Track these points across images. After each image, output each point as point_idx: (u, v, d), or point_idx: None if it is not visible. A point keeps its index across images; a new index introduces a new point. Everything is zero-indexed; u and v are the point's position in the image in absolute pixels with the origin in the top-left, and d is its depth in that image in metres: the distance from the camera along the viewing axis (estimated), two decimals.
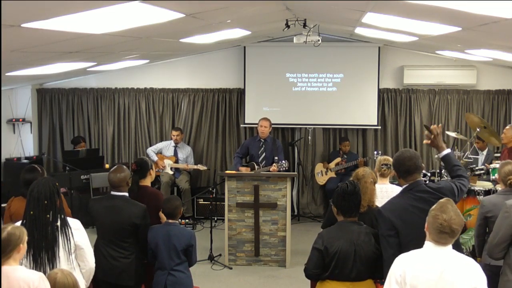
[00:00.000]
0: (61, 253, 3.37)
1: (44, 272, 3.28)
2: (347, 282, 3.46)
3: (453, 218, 2.63)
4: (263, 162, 7.44)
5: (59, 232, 3.37)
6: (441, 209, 2.69)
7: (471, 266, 2.66)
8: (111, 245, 4.15)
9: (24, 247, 3.01)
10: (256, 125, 7.68)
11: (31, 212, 3.35)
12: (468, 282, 2.60)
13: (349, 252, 3.43)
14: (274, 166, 7.04)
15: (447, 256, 2.66)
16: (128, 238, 4.15)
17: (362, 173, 4.22)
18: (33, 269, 3.28)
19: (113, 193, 4.21)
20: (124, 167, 4.28)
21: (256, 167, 7.32)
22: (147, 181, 4.69)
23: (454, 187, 3.50)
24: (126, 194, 4.23)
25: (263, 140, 7.54)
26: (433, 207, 2.75)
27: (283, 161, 7.12)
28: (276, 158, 7.23)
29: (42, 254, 3.31)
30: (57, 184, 3.50)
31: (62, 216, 3.42)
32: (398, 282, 2.73)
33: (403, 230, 3.35)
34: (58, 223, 3.37)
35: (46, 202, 3.35)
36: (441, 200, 2.79)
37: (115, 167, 4.28)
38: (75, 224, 3.51)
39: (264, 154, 7.49)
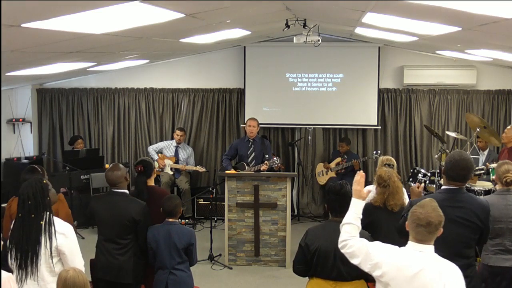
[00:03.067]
0: (42, 251, 3.34)
1: (27, 273, 3.28)
2: (330, 281, 3.48)
3: (429, 212, 2.65)
4: (253, 162, 7.45)
5: (43, 231, 3.34)
6: (420, 204, 2.72)
7: (450, 271, 2.63)
8: (110, 242, 4.16)
9: None
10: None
11: (19, 215, 3.35)
12: (443, 286, 2.57)
13: (329, 251, 3.44)
14: (266, 164, 7.07)
15: (426, 257, 2.65)
16: (127, 234, 4.15)
17: (387, 174, 4.15)
18: (17, 270, 3.28)
19: (113, 190, 4.26)
20: (120, 165, 4.31)
21: (246, 167, 7.33)
22: (152, 181, 4.71)
23: (488, 226, 3.52)
24: (126, 191, 4.26)
25: (251, 140, 7.54)
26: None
27: (275, 158, 7.15)
28: (266, 156, 7.25)
29: (28, 255, 3.30)
30: (44, 181, 3.45)
31: (48, 214, 3.38)
32: (365, 263, 2.80)
33: None
34: (43, 222, 3.33)
35: (30, 202, 3.33)
36: (423, 199, 2.81)
37: (111, 165, 4.32)
38: (63, 228, 3.44)
39: (253, 154, 7.49)
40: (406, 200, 4.32)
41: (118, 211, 4.14)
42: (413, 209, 2.71)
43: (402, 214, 3.62)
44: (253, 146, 7.52)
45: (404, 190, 4.79)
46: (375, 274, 2.77)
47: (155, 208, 4.37)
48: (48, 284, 3.32)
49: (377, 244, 2.86)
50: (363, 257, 2.82)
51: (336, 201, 3.54)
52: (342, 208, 3.53)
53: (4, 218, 4.38)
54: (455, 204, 3.43)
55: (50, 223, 3.37)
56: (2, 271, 3.04)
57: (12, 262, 3.32)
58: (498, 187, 4.24)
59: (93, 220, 4.40)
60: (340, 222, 3.51)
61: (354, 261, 2.89)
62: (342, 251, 2.98)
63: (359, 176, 3.12)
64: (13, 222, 3.43)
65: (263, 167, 7.09)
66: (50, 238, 3.35)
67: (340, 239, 3.00)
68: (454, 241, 3.41)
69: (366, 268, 2.83)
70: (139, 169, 4.57)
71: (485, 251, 4.04)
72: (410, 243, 2.71)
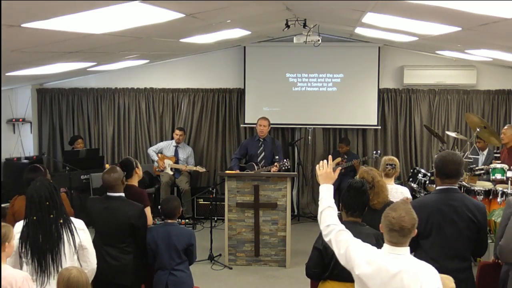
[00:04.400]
0: (66, 249, 3.37)
1: (49, 274, 3.28)
2: (347, 283, 3.44)
3: (402, 216, 2.62)
4: (262, 162, 7.43)
5: (63, 229, 3.38)
6: (393, 207, 2.70)
7: (427, 272, 2.63)
8: (109, 246, 4.15)
9: (10, 245, 3.00)
10: (256, 125, 7.68)
11: (34, 218, 3.33)
12: (420, 287, 2.57)
13: None
14: (276, 166, 7.03)
15: (403, 260, 2.65)
16: (126, 238, 4.14)
17: (370, 175, 4.11)
18: (38, 272, 3.28)
19: (109, 194, 4.20)
20: (117, 167, 4.29)
21: (255, 167, 7.31)
22: (134, 180, 4.68)
23: (485, 226, 3.51)
24: (122, 194, 4.23)
25: (262, 140, 7.53)
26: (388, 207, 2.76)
27: (285, 160, 7.12)
28: (276, 157, 7.22)
29: (47, 256, 3.31)
30: (51, 181, 3.50)
31: (64, 213, 3.43)
32: (344, 257, 2.78)
33: (424, 231, 3.35)
34: (61, 220, 3.38)
35: (48, 203, 3.34)
36: (396, 201, 2.79)
37: (108, 168, 4.29)
38: (79, 224, 3.52)
39: (263, 153, 7.47)
40: (392, 197, 4.32)
41: (116, 216, 4.10)
42: (386, 213, 2.68)
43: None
44: (263, 146, 7.51)
45: (406, 189, 4.79)
46: (353, 271, 2.75)
47: None
48: None
49: (358, 241, 2.84)
50: (344, 250, 2.79)
51: (355, 197, 3.48)
52: (360, 206, 3.50)
53: (7, 217, 4.38)
54: (450, 203, 3.43)
55: (69, 221, 3.43)
56: (18, 271, 3.06)
57: (27, 266, 3.30)
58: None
59: (91, 220, 4.35)
60: (357, 222, 3.49)
61: (336, 250, 2.85)
62: (328, 237, 2.90)
63: (325, 160, 3.14)
64: (22, 225, 3.39)
65: (273, 169, 7.05)
66: (73, 235, 3.41)
67: (325, 224, 2.93)
68: (457, 241, 3.42)
69: (343, 261, 2.80)
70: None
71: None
72: (385, 246, 2.70)
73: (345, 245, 2.80)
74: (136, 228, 4.13)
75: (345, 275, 3.43)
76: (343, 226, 2.92)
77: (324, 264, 3.48)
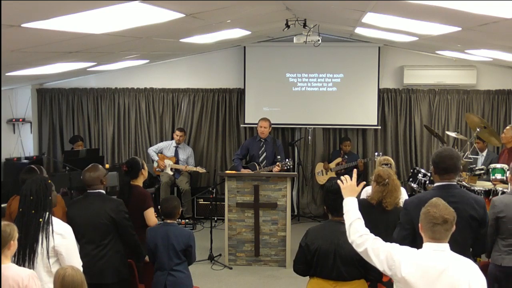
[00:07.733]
0: (39, 249, 3.34)
1: None
2: (330, 281, 3.50)
3: (443, 210, 2.66)
4: (264, 162, 7.44)
5: (41, 229, 3.35)
6: (431, 204, 2.73)
7: (470, 268, 2.64)
8: (89, 244, 4.08)
9: (14, 244, 3.01)
10: (256, 125, 7.68)
11: (20, 210, 3.38)
12: (467, 283, 2.58)
13: (329, 251, 3.46)
14: (278, 166, 7.03)
15: (446, 257, 2.65)
16: (107, 234, 4.09)
17: (386, 173, 4.14)
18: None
19: (88, 191, 4.21)
20: (99, 166, 4.27)
21: (257, 167, 7.32)
22: (139, 181, 4.70)
23: (485, 221, 3.53)
24: (102, 191, 4.23)
25: (263, 140, 7.53)
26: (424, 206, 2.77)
27: (287, 160, 7.12)
28: (278, 157, 7.22)
29: (26, 251, 3.30)
30: (49, 181, 3.48)
31: (48, 213, 3.39)
32: (386, 263, 2.76)
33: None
34: (42, 220, 3.35)
35: (32, 198, 3.36)
36: (431, 199, 2.80)
37: (90, 166, 4.26)
38: (62, 228, 3.44)
39: (264, 154, 7.48)
40: (402, 199, 4.31)
41: (94, 211, 4.08)
42: (426, 210, 2.70)
43: (399, 221, 3.62)
44: (264, 146, 7.51)
45: (403, 189, 4.80)
46: (397, 275, 2.72)
47: (132, 208, 4.38)
48: (46, 284, 3.30)
49: (396, 245, 2.84)
50: (385, 256, 2.78)
51: (336, 200, 3.52)
52: (342, 207, 3.53)
53: (4, 217, 4.38)
54: (450, 200, 3.43)
55: (48, 222, 3.38)
56: (24, 269, 3.06)
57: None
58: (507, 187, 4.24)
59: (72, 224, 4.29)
60: (340, 221, 3.50)
61: (375, 258, 2.82)
62: (364, 247, 2.87)
63: (348, 176, 3.17)
64: (14, 219, 3.43)
65: (276, 168, 7.04)
66: (47, 237, 3.35)
67: (358, 234, 2.92)
68: (459, 237, 3.41)
69: (383, 267, 2.78)
70: (124, 168, 4.62)
71: (497, 251, 4.00)
72: (426, 244, 2.70)
73: (385, 251, 2.79)
74: (115, 221, 4.09)
75: (328, 272, 3.49)
76: (373, 235, 2.93)
77: (307, 261, 3.57)
